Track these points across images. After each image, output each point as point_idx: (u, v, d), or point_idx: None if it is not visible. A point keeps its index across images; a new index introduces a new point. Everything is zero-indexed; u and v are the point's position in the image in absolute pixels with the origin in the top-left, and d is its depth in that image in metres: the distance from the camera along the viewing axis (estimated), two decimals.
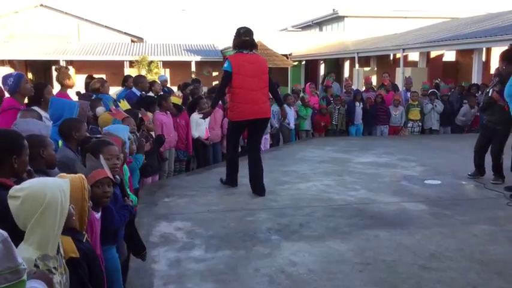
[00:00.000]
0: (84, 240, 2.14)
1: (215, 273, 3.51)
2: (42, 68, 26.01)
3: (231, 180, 5.93)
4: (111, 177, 2.73)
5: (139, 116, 5.67)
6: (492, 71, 14.46)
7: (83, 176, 2.24)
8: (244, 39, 5.49)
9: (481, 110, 7.03)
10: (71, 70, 24.63)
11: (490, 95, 6.09)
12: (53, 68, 6.04)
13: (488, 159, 6.27)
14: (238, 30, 5.57)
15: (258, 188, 5.61)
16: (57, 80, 6.13)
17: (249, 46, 5.52)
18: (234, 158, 5.87)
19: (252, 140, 5.79)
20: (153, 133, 6.07)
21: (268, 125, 8.93)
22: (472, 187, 6.00)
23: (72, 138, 3.58)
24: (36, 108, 4.52)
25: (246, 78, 5.37)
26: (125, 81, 8.79)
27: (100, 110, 4.98)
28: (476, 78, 12.35)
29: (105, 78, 8.34)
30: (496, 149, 6.12)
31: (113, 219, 2.83)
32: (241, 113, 5.44)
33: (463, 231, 4.31)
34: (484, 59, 14.43)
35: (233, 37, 5.61)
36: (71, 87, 6.19)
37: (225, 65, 5.45)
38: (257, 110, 5.44)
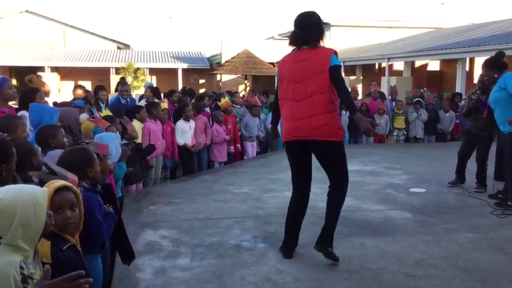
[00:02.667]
0: (65, 248, 2.10)
1: (201, 281, 3.48)
2: (27, 74, 25.73)
3: (284, 240, 4.02)
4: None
5: (122, 124, 5.65)
6: (476, 80, 14.66)
7: (76, 182, 2.23)
8: (296, 32, 3.87)
9: (463, 116, 7.12)
10: (56, 77, 24.46)
11: (473, 100, 6.18)
12: (25, 79, 5.85)
13: (470, 167, 6.35)
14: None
15: (320, 236, 3.90)
16: None
17: (295, 41, 3.87)
18: (293, 203, 4.02)
19: (324, 169, 3.96)
20: (138, 141, 6.05)
21: (256, 132, 8.96)
22: (456, 195, 6.06)
23: (49, 146, 3.51)
24: (25, 113, 4.47)
25: (290, 85, 3.79)
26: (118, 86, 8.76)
27: (83, 117, 4.94)
28: (460, 87, 12.56)
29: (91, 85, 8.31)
30: (481, 156, 6.21)
31: (102, 231, 2.80)
32: (282, 133, 3.92)
33: (447, 239, 4.35)
34: (467, 68, 14.67)
35: None
36: (48, 93, 6.08)
37: None
38: (297, 128, 3.74)
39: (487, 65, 5.71)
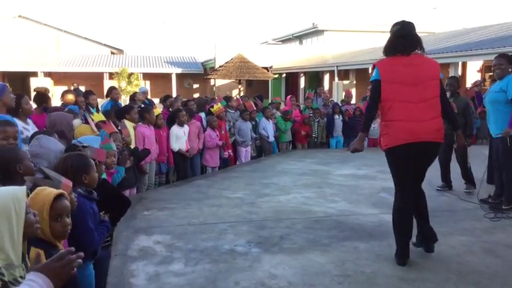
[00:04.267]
0: None
1: (195, 287, 3.47)
2: (20, 79, 25.66)
3: (399, 248, 3.91)
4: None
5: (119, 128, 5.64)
6: (468, 84, 14.76)
7: (70, 186, 2.23)
8: (398, 40, 3.87)
9: None
10: (49, 82, 24.36)
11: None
12: (34, 89, 5.94)
13: (456, 170, 6.38)
14: (392, 28, 3.96)
15: (426, 234, 4.05)
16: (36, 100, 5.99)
17: (404, 48, 3.84)
18: (401, 211, 3.93)
19: (416, 172, 3.98)
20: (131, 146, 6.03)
21: (249, 136, 8.98)
22: (449, 198, 6.09)
23: None
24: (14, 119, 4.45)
25: (402, 87, 3.78)
26: (109, 92, 8.74)
27: (77, 122, 4.93)
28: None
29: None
30: (460, 155, 6.22)
31: (93, 239, 2.79)
32: (396, 135, 3.77)
33: (441, 243, 4.34)
34: (460, 72, 14.75)
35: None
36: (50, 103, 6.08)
37: (373, 74, 3.92)
38: (418, 130, 3.74)
39: (504, 57, 5.45)
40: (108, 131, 4.66)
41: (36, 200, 2.12)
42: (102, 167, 3.61)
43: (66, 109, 5.92)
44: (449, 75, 13.26)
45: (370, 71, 20.98)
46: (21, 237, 1.66)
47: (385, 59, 3.94)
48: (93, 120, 5.01)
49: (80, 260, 1.64)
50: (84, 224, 2.68)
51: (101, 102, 9.94)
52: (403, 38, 3.86)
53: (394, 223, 3.97)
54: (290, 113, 9.91)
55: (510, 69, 5.35)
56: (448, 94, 6.19)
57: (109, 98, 8.62)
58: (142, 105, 8.13)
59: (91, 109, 7.15)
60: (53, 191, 2.16)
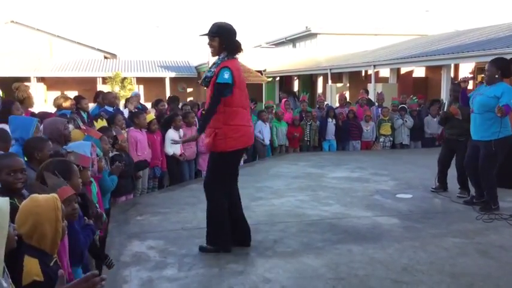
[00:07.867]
0: (52, 264, 2.08)
1: None
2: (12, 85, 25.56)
3: (227, 236, 4.27)
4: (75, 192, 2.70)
5: (114, 134, 5.63)
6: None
7: (56, 196, 2.20)
8: (237, 40, 4.10)
9: (439, 124, 7.19)
10: (42, 87, 24.26)
11: (447, 105, 6.22)
12: (13, 86, 5.80)
13: (453, 172, 6.39)
14: (230, 27, 4.09)
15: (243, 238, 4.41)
16: (17, 98, 5.93)
17: (240, 49, 4.11)
18: (224, 205, 4.25)
19: (235, 177, 4.39)
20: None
21: None
22: (442, 200, 6.11)
23: (34, 158, 3.47)
24: (3, 126, 4.42)
25: (241, 93, 4.06)
26: (97, 97, 8.69)
27: (70, 127, 4.90)
28: (445, 93, 12.68)
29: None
30: (460, 161, 6.24)
31: (79, 241, 2.78)
32: (242, 137, 4.08)
33: (434, 244, 4.38)
34: (452, 74, 14.84)
35: (223, 36, 4.03)
36: (31, 103, 6.01)
37: (225, 75, 3.88)
38: (251, 135, 4.32)
39: (494, 62, 5.46)
40: (96, 136, 4.64)
41: (42, 207, 2.10)
42: (87, 173, 3.59)
43: (68, 115, 5.87)
44: (444, 79, 13.37)
45: (363, 74, 21.10)
46: (3, 250, 1.62)
47: (231, 60, 4.02)
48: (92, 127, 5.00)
49: (104, 282, 1.61)
50: (70, 226, 2.67)
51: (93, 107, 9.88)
52: (235, 38, 4.08)
53: (217, 215, 4.21)
54: (279, 110, 9.97)
55: (497, 76, 5.35)
56: (450, 99, 6.22)
57: (96, 103, 8.58)
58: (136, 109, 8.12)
59: (82, 114, 7.10)
60: (52, 196, 2.15)
